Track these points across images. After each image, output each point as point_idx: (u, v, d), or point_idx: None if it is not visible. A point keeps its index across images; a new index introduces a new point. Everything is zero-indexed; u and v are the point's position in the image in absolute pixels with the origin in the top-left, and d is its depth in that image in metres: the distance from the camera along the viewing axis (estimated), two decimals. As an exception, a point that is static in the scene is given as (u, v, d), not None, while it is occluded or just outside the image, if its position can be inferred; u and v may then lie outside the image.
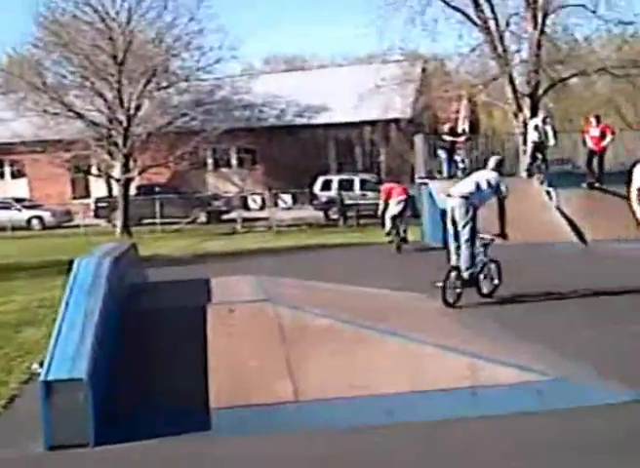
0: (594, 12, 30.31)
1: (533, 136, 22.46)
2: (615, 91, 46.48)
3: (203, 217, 36.92)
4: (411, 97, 38.67)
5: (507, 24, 30.96)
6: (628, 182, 8.60)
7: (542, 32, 30.22)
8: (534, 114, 27.06)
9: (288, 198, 39.70)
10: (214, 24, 34.74)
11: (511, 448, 6.09)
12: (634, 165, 8.68)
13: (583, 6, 30.38)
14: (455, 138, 24.26)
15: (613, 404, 6.72)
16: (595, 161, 22.02)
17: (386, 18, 30.47)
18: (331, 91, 42.37)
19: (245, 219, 34.77)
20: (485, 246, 12.12)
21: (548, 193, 21.72)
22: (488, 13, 30.55)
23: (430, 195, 22.28)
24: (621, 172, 24.12)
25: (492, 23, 30.59)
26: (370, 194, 35.08)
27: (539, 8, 30.01)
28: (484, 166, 13.23)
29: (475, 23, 30.79)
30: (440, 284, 11.10)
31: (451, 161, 23.94)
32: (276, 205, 37.79)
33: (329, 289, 11.09)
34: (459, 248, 11.97)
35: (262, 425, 6.61)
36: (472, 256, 11.89)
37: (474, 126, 39.10)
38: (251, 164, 44.94)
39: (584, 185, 21.61)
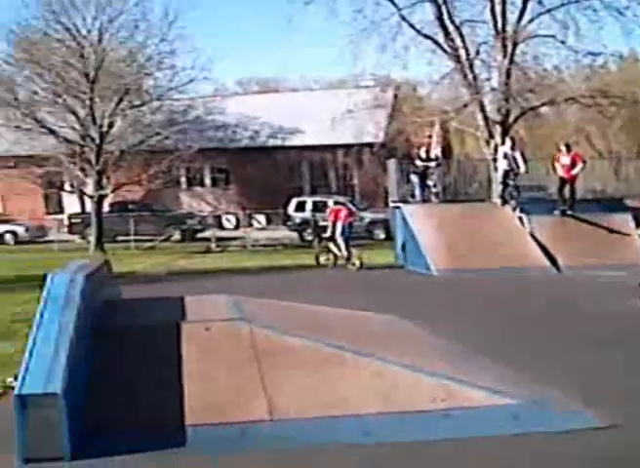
0: (563, 42, 30.52)
1: (502, 163, 22.63)
2: (584, 120, 46.97)
3: (177, 235, 36.81)
4: (383, 121, 38.86)
5: (477, 53, 31.15)
6: None
7: (512, 61, 30.37)
8: (504, 141, 27.28)
9: (262, 218, 39.73)
10: (186, 45, 34.74)
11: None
12: None
13: (553, 36, 30.65)
14: (427, 163, 24.39)
15: (584, 429, 6.77)
16: (567, 188, 22.18)
17: (358, 44, 30.63)
18: (304, 113, 42.55)
19: (219, 238, 34.68)
20: None
21: (521, 219, 21.86)
22: (458, 41, 30.73)
23: (403, 219, 22.38)
24: (594, 199, 24.50)
25: (462, 52, 30.79)
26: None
27: (508, 37, 30.20)
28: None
29: (445, 51, 31.00)
30: None
31: (423, 185, 24.07)
32: (250, 225, 37.78)
33: (303, 309, 11.07)
34: None
35: (237, 443, 6.61)
36: None
37: (446, 151, 39.28)
38: (224, 184, 44.98)
39: (557, 212, 21.75)
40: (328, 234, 23.19)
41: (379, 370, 7.46)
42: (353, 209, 24.01)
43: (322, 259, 23.13)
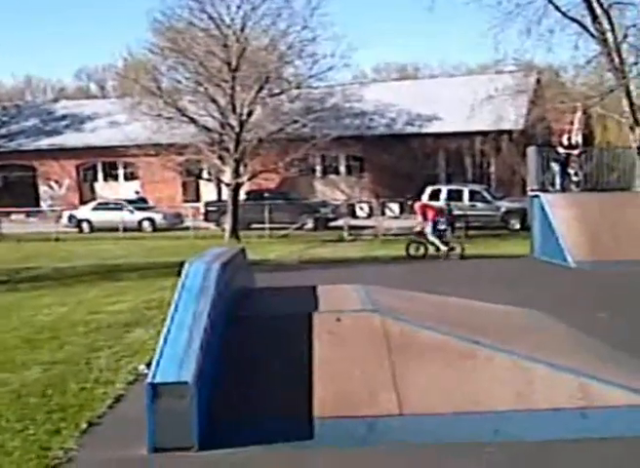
0: None
1: None
2: None
3: (310, 224, 36.97)
4: (524, 107, 38.16)
5: (625, 36, 30.20)
6: None
7: (662, 45, 29.40)
8: (648, 128, 26.35)
9: (395, 207, 39.54)
10: (327, 32, 34.68)
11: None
12: None
13: None
14: (569, 151, 23.79)
15: None
16: None
17: (502, 28, 30.08)
18: (442, 100, 42.21)
19: (352, 227, 34.72)
20: None
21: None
22: (605, 24, 29.85)
23: (542, 208, 21.89)
24: None
25: (609, 35, 29.89)
26: (479, 205, 34.73)
27: (658, 20, 29.22)
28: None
29: (592, 35, 30.13)
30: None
31: (564, 174, 23.50)
32: (383, 213, 37.65)
33: (434, 300, 10.93)
34: None
35: (365, 437, 6.54)
36: None
37: (587, 139, 38.30)
38: (359, 172, 45.01)
39: None
40: (417, 229, 23.74)
41: (513, 366, 7.26)
42: (444, 207, 24.73)
43: (412, 250, 23.26)
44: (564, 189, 23.22)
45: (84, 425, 7.28)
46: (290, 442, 6.42)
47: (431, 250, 23.10)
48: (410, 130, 43.88)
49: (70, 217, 40.90)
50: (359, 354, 7.47)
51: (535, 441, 6.44)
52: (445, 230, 23.25)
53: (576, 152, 24.12)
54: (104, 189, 48.70)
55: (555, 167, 23.57)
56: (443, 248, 22.83)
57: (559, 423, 6.65)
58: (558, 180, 23.46)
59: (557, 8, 30.08)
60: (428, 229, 22.92)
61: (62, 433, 7.08)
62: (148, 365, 7.54)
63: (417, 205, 25.06)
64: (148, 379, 6.40)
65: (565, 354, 8.55)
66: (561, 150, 23.78)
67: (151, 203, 42.83)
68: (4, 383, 8.94)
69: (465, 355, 7.41)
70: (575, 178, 23.74)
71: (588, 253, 19.35)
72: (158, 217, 40.06)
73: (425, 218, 23.17)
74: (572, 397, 6.87)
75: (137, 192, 43.48)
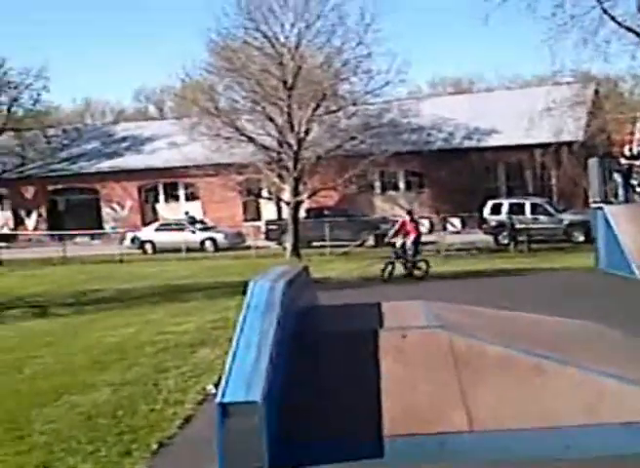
0: None
1: None
2: None
3: (371, 241, 36.85)
4: (583, 119, 37.80)
5: (682, 45, 29.88)
6: None
7: None
8: None
9: (457, 222, 39.37)
10: (382, 48, 34.62)
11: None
12: None
13: None
14: (631, 161, 23.47)
15: None
16: None
17: (557, 39, 29.83)
18: (500, 113, 41.93)
19: (413, 243, 34.57)
20: None
21: None
22: (662, 33, 29.56)
23: (606, 220, 21.60)
24: None
25: (666, 44, 29.60)
26: (542, 218, 34.37)
27: None
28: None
29: (648, 44, 29.84)
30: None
31: (627, 185, 23.17)
32: (445, 229, 37.46)
33: (502, 316, 10.83)
34: None
35: (436, 454, 6.50)
36: None
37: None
38: (418, 187, 44.80)
39: None
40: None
41: (582, 380, 7.17)
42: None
43: (386, 273, 22.57)
44: (627, 200, 22.90)
45: (155, 446, 7.36)
46: (360, 460, 6.40)
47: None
48: (468, 144, 43.61)
49: (133, 239, 41.31)
50: (426, 370, 7.44)
51: (607, 455, 6.34)
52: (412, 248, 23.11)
53: (638, 163, 23.80)
54: (166, 210, 49.13)
55: (617, 178, 23.27)
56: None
57: (630, 438, 6.55)
58: (621, 192, 23.14)
59: (613, 18, 29.80)
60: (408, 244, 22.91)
61: (134, 454, 7.16)
62: (216, 385, 7.59)
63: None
64: (217, 399, 6.42)
65: (632, 367, 8.42)
66: (623, 161, 23.50)
67: (211, 223, 43.12)
68: (75, 405, 9.07)
69: (534, 370, 7.35)
70: (638, 189, 23.42)
71: (655, 264, 19.07)
72: (220, 237, 40.26)
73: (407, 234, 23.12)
74: (642, 411, 6.77)
75: (186, 213, 43.65)
